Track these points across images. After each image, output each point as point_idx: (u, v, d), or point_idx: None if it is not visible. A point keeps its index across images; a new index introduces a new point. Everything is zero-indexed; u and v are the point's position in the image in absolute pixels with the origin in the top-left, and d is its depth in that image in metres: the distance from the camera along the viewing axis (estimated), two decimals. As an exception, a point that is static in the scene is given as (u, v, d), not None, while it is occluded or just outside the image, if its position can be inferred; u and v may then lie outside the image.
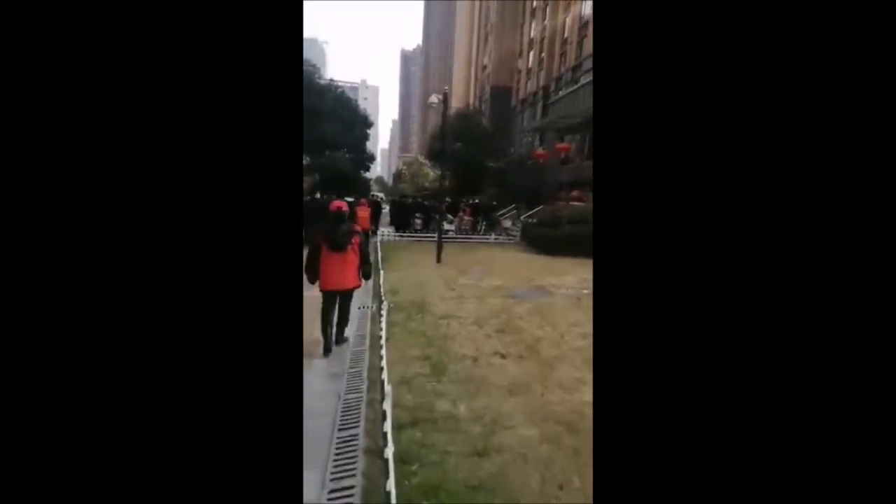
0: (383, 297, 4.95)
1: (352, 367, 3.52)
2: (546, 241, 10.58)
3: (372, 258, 8.41)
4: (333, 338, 3.83)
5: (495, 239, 13.68)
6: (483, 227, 14.68)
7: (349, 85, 28.88)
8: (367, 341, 4.13)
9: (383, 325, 3.83)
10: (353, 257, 3.76)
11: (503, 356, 3.73)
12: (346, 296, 3.97)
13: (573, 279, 7.19)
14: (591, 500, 1.85)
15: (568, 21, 26.24)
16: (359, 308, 5.34)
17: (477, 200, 16.98)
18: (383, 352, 3.46)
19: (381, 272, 6.63)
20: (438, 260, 8.88)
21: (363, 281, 4.00)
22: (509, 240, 13.82)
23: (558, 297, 6.00)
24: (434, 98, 8.33)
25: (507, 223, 14.69)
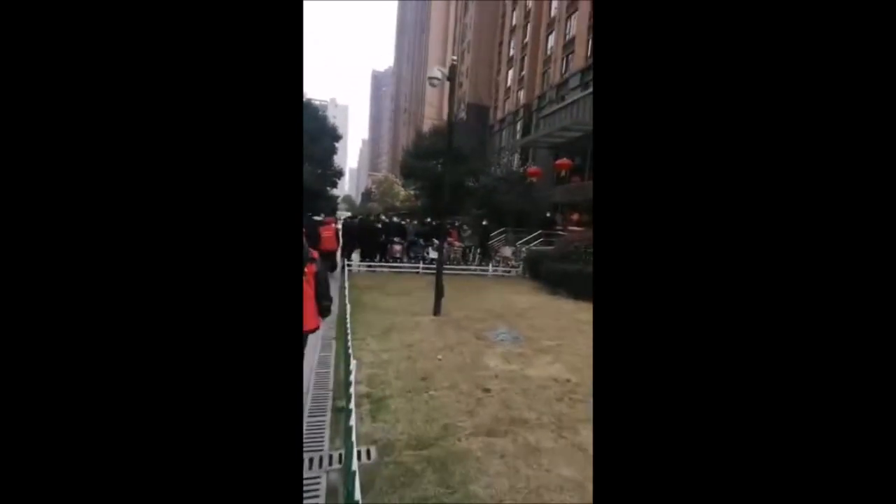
0: (353, 430, 2.03)
1: None
2: (569, 279, 7.87)
3: (338, 299, 5.42)
4: None
5: (493, 271, 10.93)
6: (477, 256, 11.90)
7: (318, 102, 26.45)
8: None
9: None
10: (306, 290, 2.86)
11: None
12: None
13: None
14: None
15: (551, 39, 25.17)
16: (311, 464, 2.32)
17: (483, 224, 14.09)
18: None
19: (349, 341, 3.63)
20: (436, 310, 5.94)
21: (321, 320, 3.05)
22: (508, 272, 11.11)
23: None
24: (436, 71, 5.59)
25: (507, 251, 12.00)
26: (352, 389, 2.41)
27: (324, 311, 3.07)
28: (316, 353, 4.14)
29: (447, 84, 6.27)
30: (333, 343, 4.56)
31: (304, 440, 2.61)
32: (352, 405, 2.27)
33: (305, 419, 2.90)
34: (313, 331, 3.05)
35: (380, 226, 11.49)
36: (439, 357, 4.08)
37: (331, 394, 3.29)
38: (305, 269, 2.88)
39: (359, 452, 2.38)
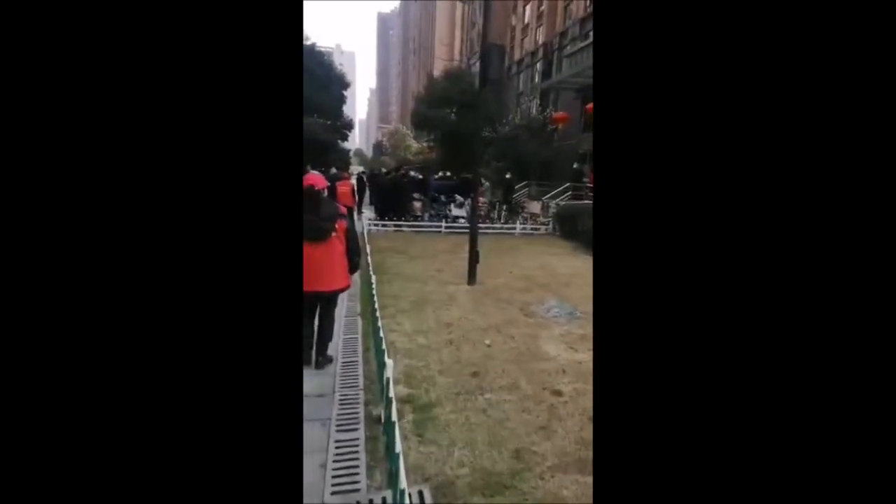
0: (405, 496, 1.43)
1: None
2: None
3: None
4: (313, 358, 2.90)
5: (521, 229, 10.12)
6: (504, 213, 11.03)
7: (323, 50, 24.55)
8: None
9: None
10: (338, 247, 2.80)
11: None
12: (328, 300, 2.92)
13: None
14: None
15: (576, -34, 22.51)
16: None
17: (506, 177, 13.04)
18: None
19: (379, 324, 2.99)
20: (471, 278, 5.24)
21: (350, 278, 2.99)
22: (537, 229, 10.30)
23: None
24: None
25: (535, 207, 11.09)
26: (395, 425, 1.73)
27: (354, 267, 2.99)
28: (340, 335, 3.52)
29: (461, 19, 5.16)
30: (359, 321, 3.93)
31: (334, 470, 2.01)
32: (397, 446, 1.61)
33: (333, 434, 2.29)
34: (344, 289, 2.94)
35: (405, 181, 10.61)
36: (487, 342, 3.42)
37: (361, 395, 2.67)
38: (336, 226, 2.78)
39: (409, 496, 1.77)
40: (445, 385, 2.73)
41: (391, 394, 2.01)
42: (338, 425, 2.37)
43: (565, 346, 3.38)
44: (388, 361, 2.28)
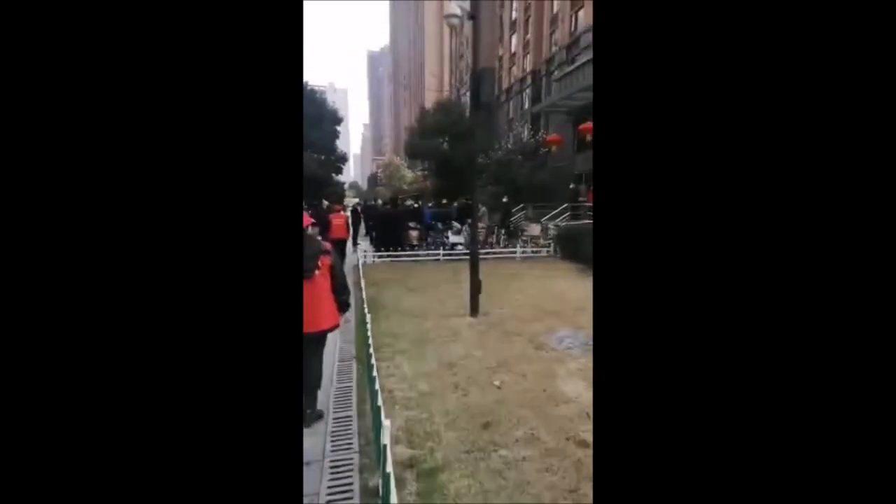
0: None
1: None
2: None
3: (354, 302, 4.44)
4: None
5: (522, 253, 9.83)
6: (503, 237, 10.77)
7: (317, 88, 25.20)
8: None
9: None
10: (322, 285, 2.63)
11: None
12: (315, 342, 2.66)
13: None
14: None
15: (557, -3, 23.26)
16: None
17: (503, 201, 12.86)
18: None
19: (375, 372, 2.62)
20: (474, 309, 4.90)
21: (340, 318, 2.77)
22: (538, 252, 10.02)
23: None
24: (455, 7, 4.38)
25: (535, 229, 10.85)
26: (383, 465, 1.37)
27: (343, 307, 2.80)
28: (332, 384, 3.15)
29: (449, 52, 5.09)
30: (354, 365, 3.56)
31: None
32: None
33: (323, 515, 1.90)
34: (333, 329, 2.73)
35: (400, 210, 10.41)
36: (497, 384, 3.05)
37: (356, 460, 2.29)
38: (320, 263, 2.63)
39: None
40: (453, 441, 2.36)
41: (388, 467, 1.65)
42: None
43: (585, 383, 3.01)
44: (385, 422, 1.93)
